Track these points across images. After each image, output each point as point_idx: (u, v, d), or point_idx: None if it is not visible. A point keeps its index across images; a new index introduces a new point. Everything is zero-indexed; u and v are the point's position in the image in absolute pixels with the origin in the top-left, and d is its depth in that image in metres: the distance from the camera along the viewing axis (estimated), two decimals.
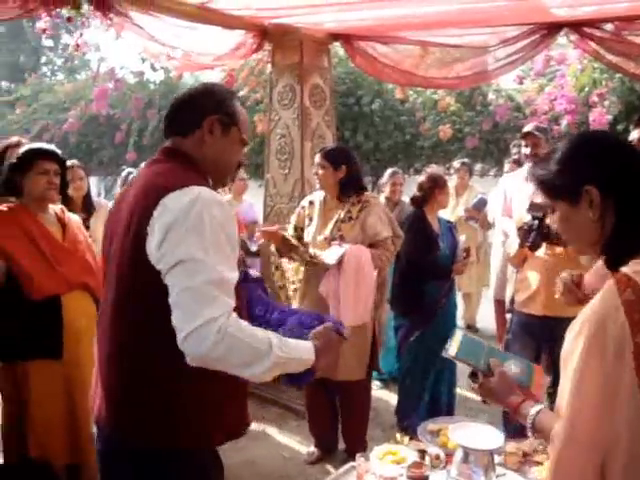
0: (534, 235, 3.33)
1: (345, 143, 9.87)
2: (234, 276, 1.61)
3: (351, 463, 2.33)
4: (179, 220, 1.53)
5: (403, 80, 4.47)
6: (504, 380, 1.60)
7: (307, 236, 3.56)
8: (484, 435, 2.20)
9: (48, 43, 22.35)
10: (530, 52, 3.72)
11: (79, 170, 4.37)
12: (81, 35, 3.87)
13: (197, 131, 1.77)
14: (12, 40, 21.14)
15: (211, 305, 1.50)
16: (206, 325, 1.48)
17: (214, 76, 10.26)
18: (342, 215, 3.45)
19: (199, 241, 1.52)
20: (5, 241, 2.68)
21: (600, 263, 1.44)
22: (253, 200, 5.91)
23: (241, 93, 9.86)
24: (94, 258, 3.04)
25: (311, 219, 3.60)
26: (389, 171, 5.20)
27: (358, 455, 2.28)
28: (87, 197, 4.41)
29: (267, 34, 4.29)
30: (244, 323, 1.58)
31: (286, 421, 4.21)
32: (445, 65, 4.20)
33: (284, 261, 4.01)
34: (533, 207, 3.28)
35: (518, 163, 5.19)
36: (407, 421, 3.82)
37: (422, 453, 2.37)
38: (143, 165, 2.07)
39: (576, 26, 3.53)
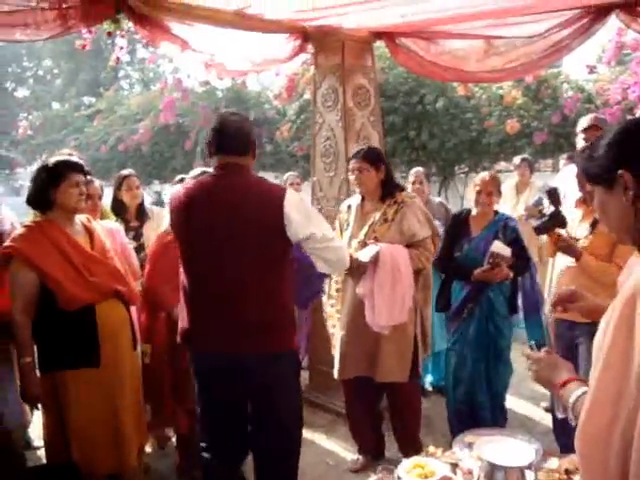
0: (544, 220, 3.19)
1: (410, 144, 9.73)
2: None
3: (373, 477, 2.23)
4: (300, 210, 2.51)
5: (448, 76, 4.34)
6: (553, 356, 1.65)
7: (344, 240, 3.51)
8: (517, 450, 2.07)
9: (125, 58, 23.26)
10: (579, 38, 3.51)
11: (135, 179, 4.48)
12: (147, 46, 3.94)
13: (250, 151, 2.61)
14: (93, 58, 22.15)
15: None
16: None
17: (280, 82, 10.37)
18: (377, 217, 3.41)
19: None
20: (37, 257, 2.76)
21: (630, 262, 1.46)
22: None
23: (305, 97, 9.91)
24: (129, 264, 3.10)
25: (348, 223, 3.57)
26: (412, 171, 4.97)
27: (379, 468, 2.20)
28: (141, 205, 4.51)
29: (309, 36, 4.26)
30: None
31: (335, 428, 4.16)
32: (498, 57, 4.04)
33: None
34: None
35: (572, 159, 4.94)
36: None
37: (454, 467, 2.27)
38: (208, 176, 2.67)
39: (628, 6, 3.30)
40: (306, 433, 3.97)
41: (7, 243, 2.84)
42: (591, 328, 2.73)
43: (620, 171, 1.28)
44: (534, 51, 3.69)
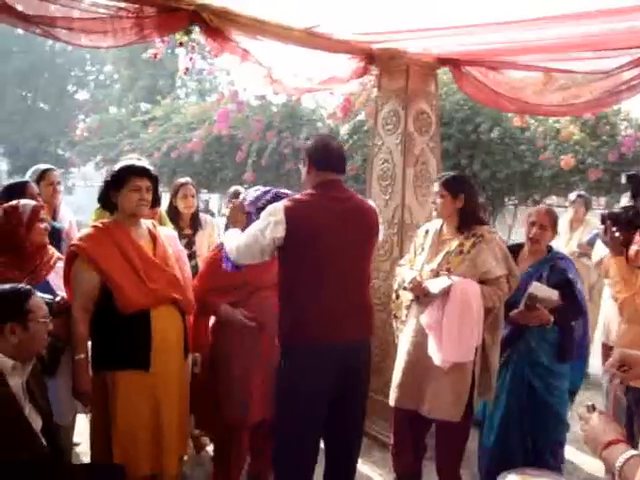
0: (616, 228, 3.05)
1: (461, 171, 9.68)
2: None
3: None
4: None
5: (513, 107, 4.30)
6: (603, 416, 1.57)
7: (416, 265, 3.48)
8: None
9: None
10: None
11: (191, 187, 4.56)
12: (198, 59, 4.02)
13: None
14: (152, 66, 22.68)
15: None
16: None
17: (334, 100, 10.45)
18: (453, 247, 3.34)
19: None
20: (100, 257, 2.83)
21: None
22: None
23: (358, 118, 9.96)
24: (184, 272, 3.14)
25: (423, 248, 3.51)
26: None
27: None
28: (195, 214, 4.59)
29: (373, 58, 4.28)
30: None
31: (371, 452, 4.12)
32: (560, 91, 3.99)
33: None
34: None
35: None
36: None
37: None
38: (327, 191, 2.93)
39: None
40: None
41: (74, 241, 2.92)
42: None
43: None
44: (599, 89, 3.63)
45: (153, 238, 3.06)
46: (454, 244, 3.34)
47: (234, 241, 2.92)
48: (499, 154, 9.32)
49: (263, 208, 2.91)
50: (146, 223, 3.10)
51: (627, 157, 8.23)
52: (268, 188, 3.29)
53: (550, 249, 3.67)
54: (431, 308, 3.25)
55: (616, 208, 3.14)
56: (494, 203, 10.64)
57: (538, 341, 3.51)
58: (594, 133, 8.67)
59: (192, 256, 4.28)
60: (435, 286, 3.20)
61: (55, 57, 28.63)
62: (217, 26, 3.61)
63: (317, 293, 2.85)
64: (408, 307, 3.48)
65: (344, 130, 10.47)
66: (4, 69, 25.93)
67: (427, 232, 3.56)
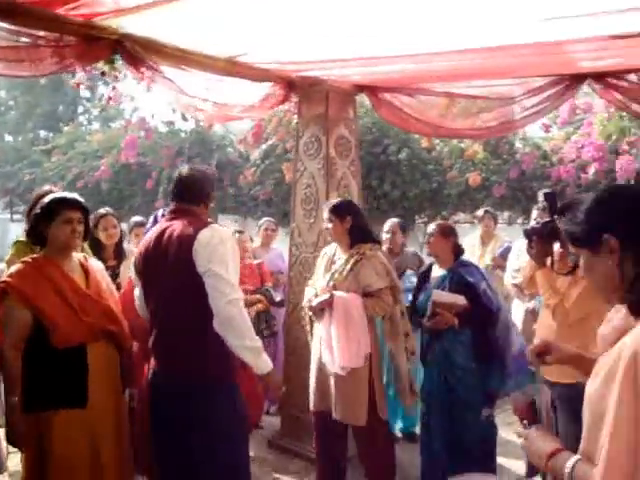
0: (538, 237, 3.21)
1: (372, 192, 9.93)
2: None
3: None
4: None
5: (429, 130, 4.51)
6: (540, 430, 1.61)
7: (316, 285, 3.83)
8: None
9: (85, 94, 23.13)
10: (555, 102, 3.74)
11: (112, 218, 4.46)
12: (114, 88, 3.98)
13: (202, 203, 2.88)
14: (52, 92, 21.94)
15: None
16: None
17: (243, 126, 10.51)
18: (338, 266, 3.72)
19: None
20: (32, 294, 2.73)
21: (618, 317, 1.45)
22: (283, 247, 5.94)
23: (270, 142, 10.06)
24: (116, 304, 3.08)
25: (320, 270, 3.88)
26: (388, 221, 5.09)
27: None
28: (119, 244, 4.49)
29: (294, 86, 4.38)
30: None
31: (309, 474, 4.14)
32: (471, 115, 4.23)
33: None
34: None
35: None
36: None
37: None
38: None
39: (600, 77, 3.55)
40: (282, 478, 3.99)
41: (2, 279, 2.80)
42: (568, 391, 2.83)
43: (605, 235, 1.34)
44: (514, 111, 3.90)
45: (85, 271, 2.99)
46: (340, 263, 3.72)
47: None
48: (408, 174, 9.65)
49: None
50: (77, 256, 3.02)
51: (527, 173, 8.73)
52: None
53: (457, 260, 3.89)
54: (322, 322, 3.64)
55: (533, 223, 3.38)
56: (406, 222, 10.95)
57: (452, 343, 3.72)
58: (495, 152, 9.16)
59: (118, 287, 4.18)
60: (316, 301, 3.63)
61: None
62: (140, 56, 3.60)
63: (151, 326, 2.88)
64: (312, 322, 3.86)
65: (255, 155, 10.55)
66: None
67: (325, 254, 3.93)
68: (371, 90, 4.41)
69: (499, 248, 5.91)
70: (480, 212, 6.60)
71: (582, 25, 2.96)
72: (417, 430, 4.57)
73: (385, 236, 4.87)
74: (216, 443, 2.68)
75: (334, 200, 3.89)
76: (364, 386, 3.59)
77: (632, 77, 3.49)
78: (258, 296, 4.41)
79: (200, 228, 2.66)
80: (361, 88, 4.46)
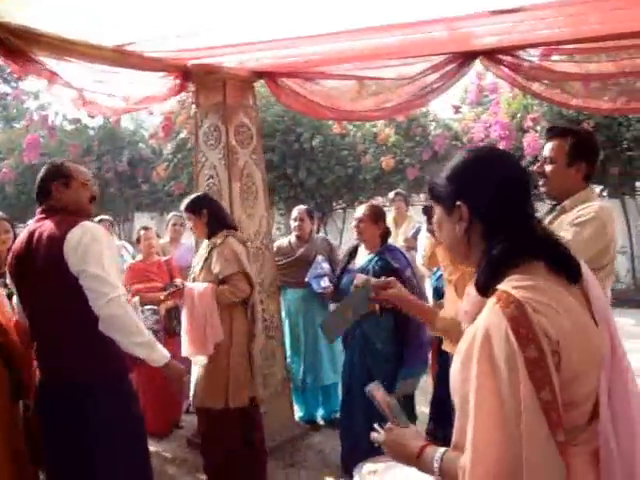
0: None
1: (288, 181, 9.88)
2: None
3: None
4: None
5: (331, 114, 4.46)
6: (394, 431, 1.52)
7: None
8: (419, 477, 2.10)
9: None
10: (451, 79, 3.74)
11: (4, 223, 4.20)
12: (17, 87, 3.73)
13: (53, 194, 2.63)
14: None
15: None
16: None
17: (155, 121, 10.21)
18: (197, 259, 3.81)
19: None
20: None
21: (468, 289, 1.40)
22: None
23: (181, 136, 9.82)
24: (5, 314, 2.90)
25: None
26: (295, 209, 5.03)
27: None
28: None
29: (189, 75, 4.23)
30: None
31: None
32: (372, 97, 4.20)
33: None
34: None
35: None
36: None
37: None
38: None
39: (491, 54, 3.58)
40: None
41: None
42: None
43: (458, 202, 1.31)
44: (407, 93, 3.88)
45: None
46: (200, 255, 3.79)
47: None
48: (323, 161, 9.65)
49: None
50: None
51: (439, 155, 8.87)
52: None
53: (383, 243, 3.84)
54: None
55: None
56: (324, 209, 10.98)
57: (372, 327, 3.67)
58: (408, 135, 9.26)
59: (11, 295, 3.95)
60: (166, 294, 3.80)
61: None
62: (17, 47, 3.37)
63: (31, 332, 2.73)
64: None
65: (167, 150, 10.29)
66: None
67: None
68: (270, 76, 4.31)
69: (411, 229, 5.94)
70: (391, 194, 6.63)
71: (468, 2, 2.96)
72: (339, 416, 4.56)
73: (293, 224, 4.81)
74: (108, 444, 2.55)
75: (186, 198, 3.87)
76: (221, 372, 3.57)
77: (520, 53, 3.54)
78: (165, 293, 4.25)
79: (70, 227, 2.48)
80: (260, 75, 4.35)
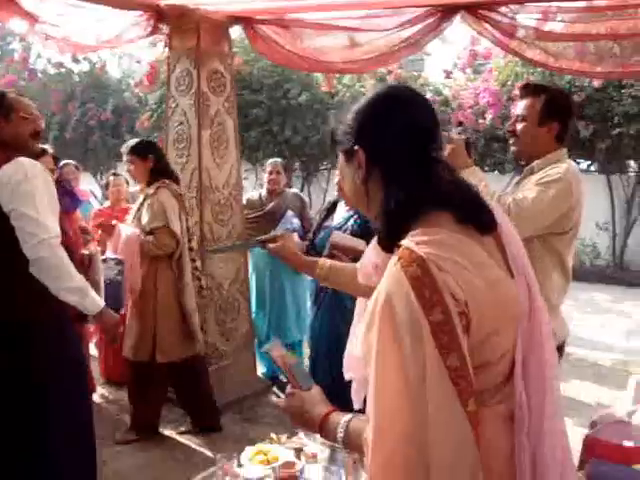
0: None
1: (273, 139, 9.72)
2: None
3: (215, 467, 2.15)
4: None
5: (307, 66, 4.31)
6: (297, 395, 1.37)
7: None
8: None
9: None
10: (429, 34, 3.61)
11: None
12: None
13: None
14: None
15: None
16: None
17: (138, 69, 9.98)
18: (135, 207, 3.76)
19: None
20: None
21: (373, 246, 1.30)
22: None
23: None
24: None
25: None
26: (269, 161, 4.90)
27: (219, 456, 2.12)
28: None
29: (163, 16, 4.07)
30: None
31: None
32: (347, 49, 4.06)
33: None
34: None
35: None
36: None
37: (298, 452, 2.23)
38: None
39: (472, 8, 3.44)
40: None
41: None
42: None
43: (356, 147, 1.18)
44: (388, 44, 3.75)
45: None
46: (138, 203, 3.72)
47: None
48: (310, 120, 9.49)
49: None
50: None
51: None
52: None
53: None
54: None
55: None
56: (309, 168, 10.85)
57: None
58: None
59: None
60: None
61: None
62: None
63: None
64: None
65: (153, 99, 10.08)
66: None
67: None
68: (246, 22, 4.16)
69: None
70: None
71: None
72: None
73: (267, 177, 4.68)
74: (46, 392, 2.47)
75: (132, 141, 3.82)
76: (146, 327, 3.60)
77: (504, 9, 3.40)
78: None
79: (2, 163, 2.31)
80: (236, 19, 4.19)
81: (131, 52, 10.41)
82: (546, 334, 1.16)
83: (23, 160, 2.36)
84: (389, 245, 1.13)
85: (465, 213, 1.12)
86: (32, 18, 3.58)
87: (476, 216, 1.13)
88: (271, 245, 1.97)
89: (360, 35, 3.88)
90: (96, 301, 2.49)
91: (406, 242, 1.06)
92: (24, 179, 2.30)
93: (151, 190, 3.60)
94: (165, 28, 4.23)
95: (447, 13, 3.52)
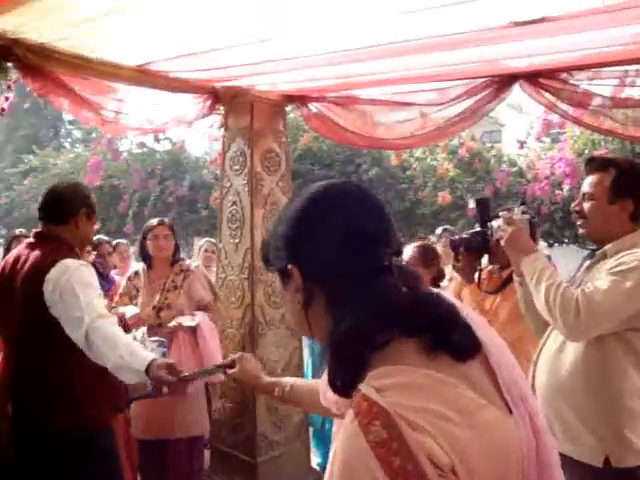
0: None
1: None
2: None
3: None
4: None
5: (360, 142, 4.19)
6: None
7: (137, 306, 3.71)
8: None
9: (68, 116, 22.99)
10: (485, 106, 3.43)
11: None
12: (7, 99, 3.68)
13: (71, 219, 2.54)
14: (33, 114, 21.90)
15: None
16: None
17: (215, 147, 10.24)
18: (167, 284, 3.71)
19: None
20: None
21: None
22: None
23: None
24: None
25: (138, 290, 3.79)
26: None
27: None
28: None
29: (219, 97, 4.10)
30: None
31: None
32: (399, 125, 3.92)
33: None
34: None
35: None
36: None
37: None
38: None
39: (531, 77, 3.25)
40: None
41: None
42: None
43: (290, 265, 0.97)
44: (442, 118, 3.59)
45: None
46: (167, 281, 3.72)
47: None
48: (381, 193, 9.37)
49: None
50: None
51: (501, 191, 8.44)
52: None
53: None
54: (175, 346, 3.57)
55: (465, 233, 2.99)
56: None
57: None
58: (469, 169, 8.89)
59: None
60: (187, 321, 3.60)
61: None
62: (35, 63, 3.32)
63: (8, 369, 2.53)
64: None
65: None
66: None
67: (137, 273, 3.86)
68: (300, 100, 4.12)
69: None
70: (439, 230, 6.30)
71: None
72: None
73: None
74: None
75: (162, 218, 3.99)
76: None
77: (564, 76, 3.18)
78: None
79: (55, 261, 2.34)
80: (290, 99, 4.17)
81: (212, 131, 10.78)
82: (555, 463, 0.90)
83: (68, 262, 2.38)
84: (342, 389, 0.89)
85: (435, 339, 0.87)
86: (87, 102, 3.65)
87: (450, 340, 0.87)
88: (230, 371, 1.88)
89: (413, 110, 3.75)
90: (143, 356, 2.34)
91: (364, 387, 0.82)
92: (68, 279, 2.31)
93: (190, 268, 3.85)
94: (222, 109, 4.25)
95: (505, 83, 3.34)
